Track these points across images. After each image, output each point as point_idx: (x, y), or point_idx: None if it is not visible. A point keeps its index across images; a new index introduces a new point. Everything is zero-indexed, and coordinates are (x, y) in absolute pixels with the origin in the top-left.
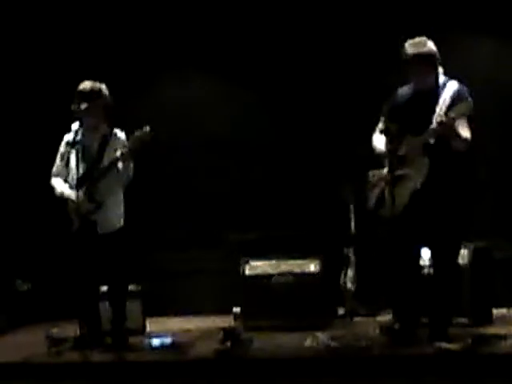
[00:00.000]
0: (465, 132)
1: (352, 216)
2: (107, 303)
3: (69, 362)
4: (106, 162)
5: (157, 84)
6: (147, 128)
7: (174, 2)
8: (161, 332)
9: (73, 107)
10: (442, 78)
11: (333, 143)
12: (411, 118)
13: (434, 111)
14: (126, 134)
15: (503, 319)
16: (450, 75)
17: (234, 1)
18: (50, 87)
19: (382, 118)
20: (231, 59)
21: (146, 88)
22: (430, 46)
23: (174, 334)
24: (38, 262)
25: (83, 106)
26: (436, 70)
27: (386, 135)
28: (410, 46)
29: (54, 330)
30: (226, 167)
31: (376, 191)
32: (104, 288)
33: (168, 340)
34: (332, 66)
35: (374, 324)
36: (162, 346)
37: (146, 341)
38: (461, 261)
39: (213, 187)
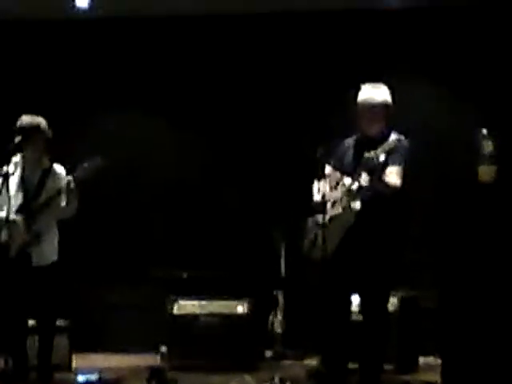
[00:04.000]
0: (393, 179)
1: (282, 259)
2: (34, 337)
3: None
4: (44, 196)
5: (98, 121)
6: (97, 158)
7: (120, 42)
8: (87, 368)
9: (13, 142)
10: (387, 129)
11: (265, 186)
12: (348, 162)
13: (372, 157)
14: (69, 168)
15: (428, 367)
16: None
17: (177, 42)
18: None
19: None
20: (173, 100)
21: (87, 124)
22: (385, 92)
23: (100, 371)
24: None
25: (21, 139)
26: (386, 118)
27: (321, 178)
28: (365, 90)
29: None
30: (160, 205)
31: (310, 236)
32: (32, 322)
33: (94, 377)
34: (272, 109)
35: (302, 368)
36: (88, 383)
37: (73, 377)
38: (389, 308)
39: (145, 224)
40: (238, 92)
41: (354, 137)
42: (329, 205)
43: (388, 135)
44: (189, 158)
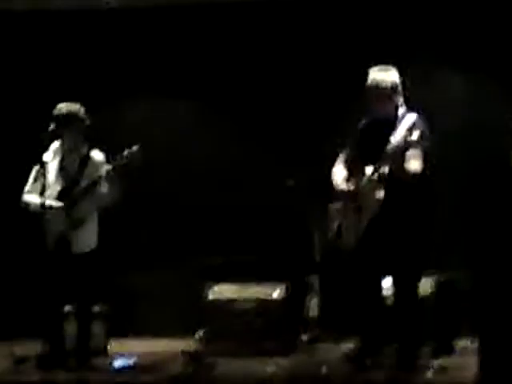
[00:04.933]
0: (414, 165)
1: (316, 243)
2: (72, 323)
3: (31, 380)
4: (84, 182)
5: (133, 106)
6: (136, 147)
7: (153, 28)
8: (124, 353)
9: (51, 129)
10: (402, 110)
11: (301, 170)
12: (367, 148)
13: (388, 142)
14: (108, 155)
15: (465, 350)
16: (422, 109)
17: (211, 28)
18: (26, 109)
19: (343, 150)
20: (209, 85)
21: (124, 111)
22: (392, 74)
23: (136, 356)
24: (4, 279)
25: (59, 127)
26: (396, 99)
27: (344, 167)
28: (372, 73)
29: (17, 348)
30: (194, 192)
31: (334, 224)
32: (68, 307)
33: (131, 362)
34: (299, 92)
35: (338, 351)
36: (125, 368)
37: (109, 362)
38: (424, 292)
39: (180, 211)
40: (270, 80)
41: (366, 120)
42: (350, 193)
43: (402, 117)
44: (222, 145)
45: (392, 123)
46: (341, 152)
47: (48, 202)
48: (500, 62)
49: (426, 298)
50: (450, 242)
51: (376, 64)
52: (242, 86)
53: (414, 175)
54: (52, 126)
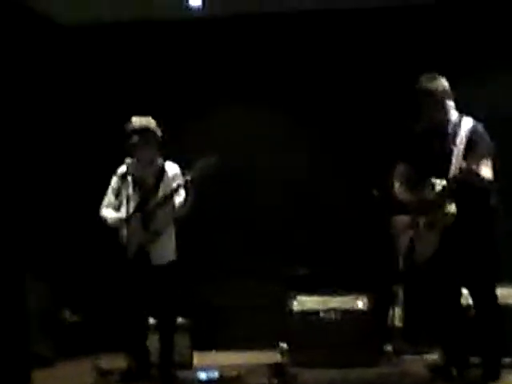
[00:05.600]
0: (486, 173)
1: (400, 253)
2: (155, 336)
3: None
4: (160, 195)
5: (209, 114)
6: (213, 158)
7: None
8: (208, 366)
9: (126, 143)
10: (454, 115)
11: (382, 178)
12: (427, 157)
13: (451, 150)
14: (183, 167)
15: None
16: (477, 113)
17: (287, 38)
18: (103, 123)
19: (400, 163)
20: (295, 94)
21: (201, 121)
22: (441, 81)
23: (221, 369)
24: (88, 293)
25: (136, 139)
26: (445, 105)
27: (406, 181)
28: (422, 81)
29: (102, 362)
30: (279, 203)
31: (405, 239)
32: (152, 320)
33: (215, 374)
34: (364, 105)
35: (421, 362)
36: (210, 381)
37: (194, 375)
38: (510, 300)
39: (265, 222)
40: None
41: (419, 128)
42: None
43: (459, 122)
44: (300, 151)
45: (446, 130)
46: (398, 163)
47: (123, 217)
48: None
49: (508, 307)
50: None
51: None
52: (321, 95)
53: (488, 182)
54: (135, 139)
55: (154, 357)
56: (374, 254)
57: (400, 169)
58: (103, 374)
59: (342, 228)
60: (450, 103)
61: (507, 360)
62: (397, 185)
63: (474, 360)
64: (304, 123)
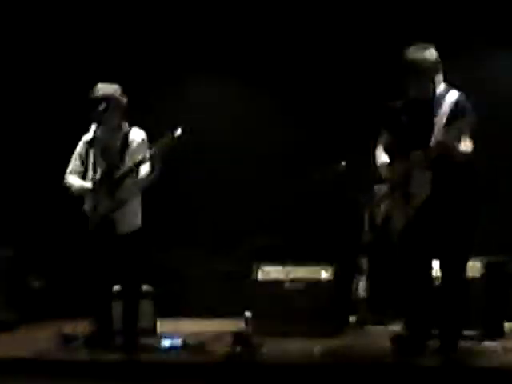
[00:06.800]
0: (465, 146)
1: (366, 225)
2: (120, 303)
3: (79, 359)
4: (127, 162)
5: (180, 85)
6: (179, 131)
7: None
8: (172, 333)
9: (91, 111)
10: (441, 87)
11: (350, 151)
12: (411, 128)
13: (433, 122)
14: (151, 135)
15: None
16: (473, 90)
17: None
18: (68, 90)
19: (384, 132)
20: (255, 63)
21: (170, 89)
22: (430, 51)
23: (184, 336)
24: (52, 259)
25: (102, 106)
26: (434, 76)
27: (386, 151)
28: (410, 51)
29: (66, 327)
30: (244, 173)
31: (382, 207)
32: (117, 287)
33: (178, 342)
34: (345, 75)
35: (385, 333)
36: (173, 348)
37: (157, 342)
38: (474, 274)
39: (230, 191)
40: (319, 66)
41: (405, 100)
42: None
43: (444, 94)
44: (270, 125)
45: (432, 102)
46: (381, 134)
47: (87, 186)
48: None
49: (474, 281)
50: (500, 225)
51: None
52: (294, 72)
53: (466, 156)
54: (100, 107)
55: (118, 323)
56: (340, 226)
57: (383, 137)
58: (67, 339)
59: (308, 200)
60: (439, 77)
61: (467, 332)
62: (378, 151)
63: (435, 331)
64: (275, 96)
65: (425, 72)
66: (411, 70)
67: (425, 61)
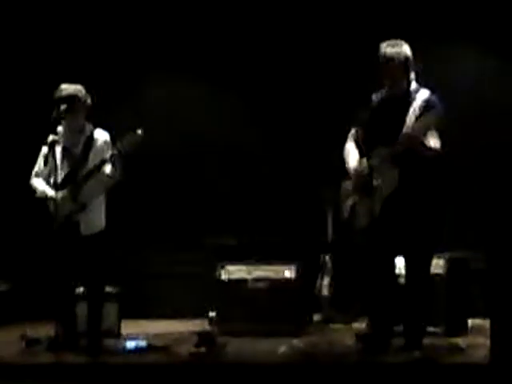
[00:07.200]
0: (433, 142)
1: (329, 223)
2: (83, 304)
3: (42, 362)
4: (91, 163)
5: (142, 85)
6: (140, 131)
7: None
8: (136, 335)
9: (54, 112)
10: (413, 85)
11: (312, 149)
12: (381, 125)
13: (403, 119)
14: (113, 136)
15: (478, 329)
16: (434, 87)
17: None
18: (32, 90)
19: (354, 126)
20: (218, 62)
21: (131, 89)
22: (404, 48)
23: (149, 337)
24: (17, 262)
25: (63, 107)
26: (408, 74)
27: (356, 146)
28: (384, 47)
29: (29, 330)
30: (207, 171)
31: (348, 203)
32: (80, 289)
33: (143, 343)
34: (312, 71)
35: (350, 331)
36: (137, 349)
37: (121, 343)
38: (437, 270)
39: (192, 191)
40: (283, 59)
41: (378, 96)
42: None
43: (415, 92)
44: (233, 123)
45: (404, 99)
46: (351, 128)
47: (49, 194)
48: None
49: (438, 277)
50: (463, 221)
51: (387, 39)
52: (256, 66)
53: (435, 152)
54: (63, 107)
55: (82, 325)
56: (303, 223)
57: (352, 135)
58: (30, 342)
59: (271, 197)
60: (412, 74)
61: (430, 329)
62: (348, 146)
63: (399, 329)
64: (238, 92)
65: (400, 67)
66: (386, 65)
67: (401, 57)
